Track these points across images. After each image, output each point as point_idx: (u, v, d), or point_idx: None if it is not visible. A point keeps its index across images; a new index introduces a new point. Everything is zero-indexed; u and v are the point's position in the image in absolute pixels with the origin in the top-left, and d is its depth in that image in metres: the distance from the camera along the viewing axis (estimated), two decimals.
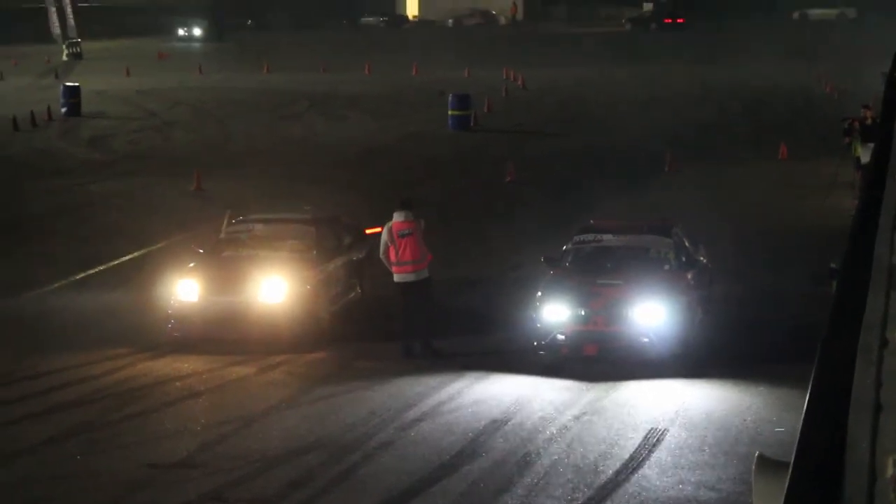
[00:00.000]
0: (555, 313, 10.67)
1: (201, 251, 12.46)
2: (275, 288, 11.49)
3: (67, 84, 32.22)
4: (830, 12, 69.55)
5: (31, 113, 28.93)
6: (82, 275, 14.06)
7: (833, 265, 8.28)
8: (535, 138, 26.33)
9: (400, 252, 11.07)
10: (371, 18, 76.10)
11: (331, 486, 7.78)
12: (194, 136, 27.48)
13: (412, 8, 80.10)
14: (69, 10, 55.55)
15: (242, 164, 22.80)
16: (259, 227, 13.10)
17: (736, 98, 31.63)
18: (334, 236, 13.23)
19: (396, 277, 11.11)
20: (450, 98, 27.38)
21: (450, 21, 72.97)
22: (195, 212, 18.73)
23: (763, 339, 11.25)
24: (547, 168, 22.14)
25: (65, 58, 48.97)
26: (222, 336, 11.18)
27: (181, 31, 64.44)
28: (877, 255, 4.50)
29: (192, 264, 12.28)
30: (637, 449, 8.17)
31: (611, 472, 7.81)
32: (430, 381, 9.98)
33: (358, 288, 13.20)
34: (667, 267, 12.17)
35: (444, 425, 8.88)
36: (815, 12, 69.84)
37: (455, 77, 34.59)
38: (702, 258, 12.98)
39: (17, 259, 14.95)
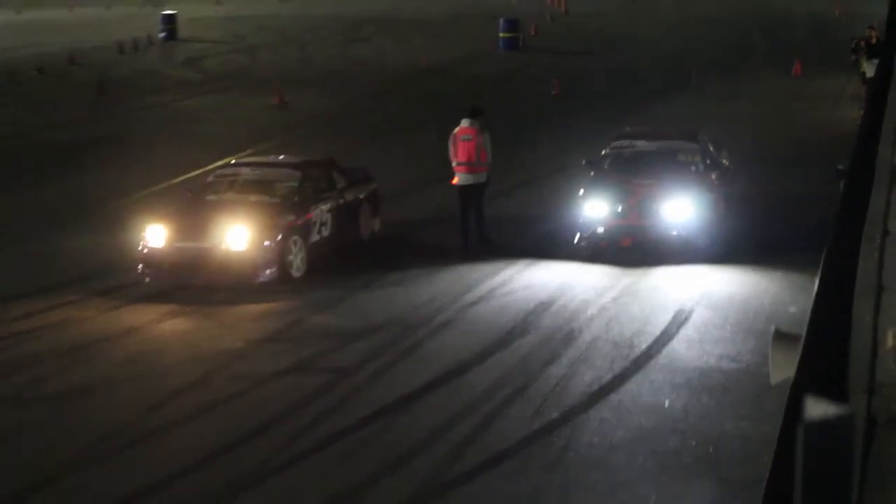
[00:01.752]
0: (595, 209, 10.62)
1: (189, 193, 11.34)
2: (238, 235, 10.09)
3: (165, 12, 32.21)
4: None
5: (134, 39, 29.30)
6: (178, 179, 13.80)
7: (840, 167, 8.04)
8: (577, 57, 25.82)
9: (458, 154, 10.92)
10: None
11: (400, 358, 7.98)
12: (277, 57, 27.59)
13: None
14: None
15: (320, 82, 22.92)
16: (247, 170, 11.86)
17: (756, 21, 30.74)
18: (324, 180, 11.71)
19: (455, 179, 11.00)
20: (500, 22, 27.34)
21: None
22: (278, 123, 18.86)
23: (779, 230, 11.08)
24: (588, 83, 21.78)
25: None
26: (189, 282, 9.94)
27: None
28: (880, 156, 4.43)
29: (167, 208, 11.20)
30: (667, 326, 8.27)
31: (644, 346, 7.91)
32: (485, 268, 10.03)
33: (359, 230, 11.72)
34: (693, 168, 12.01)
35: (498, 307, 8.99)
36: None
37: (503, 5, 33.72)
38: (725, 161, 12.73)
39: (120, 166, 14.93)
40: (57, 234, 11.65)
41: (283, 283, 10.00)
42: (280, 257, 10.25)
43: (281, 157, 12.87)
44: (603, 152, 12.27)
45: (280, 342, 8.45)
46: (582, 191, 11.45)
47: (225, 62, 26.65)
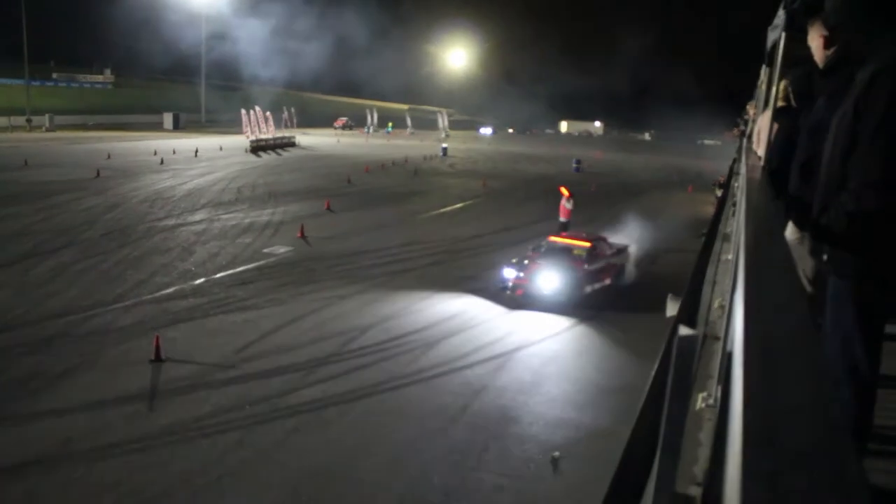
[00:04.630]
0: (509, 272, 18.74)
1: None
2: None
3: (443, 146, 65.54)
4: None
5: (428, 156, 61.79)
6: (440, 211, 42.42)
7: (703, 231, 11.78)
8: (605, 177, 53.56)
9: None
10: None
11: None
12: (485, 166, 57.48)
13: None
14: (446, 121, 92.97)
15: (501, 177, 51.43)
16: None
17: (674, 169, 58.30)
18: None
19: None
20: (574, 160, 57.34)
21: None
22: (480, 193, 44.95)
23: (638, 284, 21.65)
24: (606, 188, 48.78)
25: (444, 135, 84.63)
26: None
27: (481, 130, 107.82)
28: (720, 225, 7.45)
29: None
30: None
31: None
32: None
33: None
34: (574, 257, 19.27)
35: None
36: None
37: (578, 154, 63.67)
38: (611, 251, 20.90)
39: (419, 202, 43.60)
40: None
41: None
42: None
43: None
44: (535, 243, 21.28)
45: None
46: (514, 260, 19.44)
47: (464, 165, 56.95)
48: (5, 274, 20.06)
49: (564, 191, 28.08)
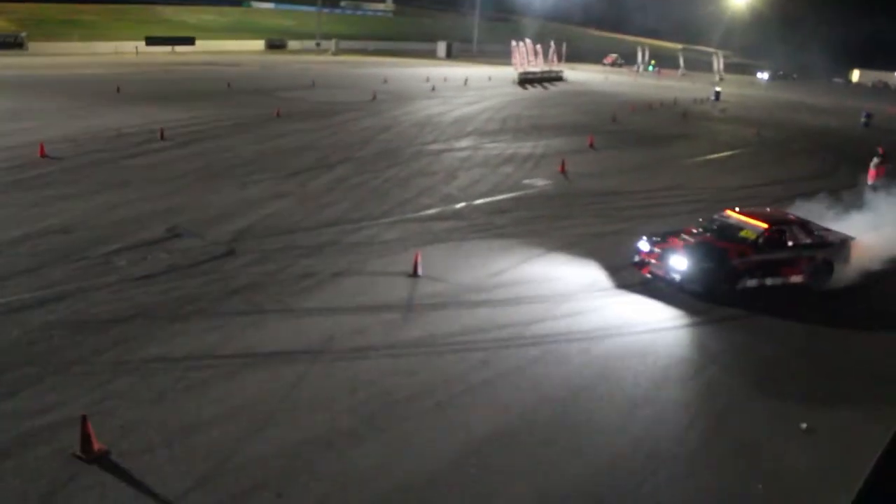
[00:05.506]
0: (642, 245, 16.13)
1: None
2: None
3: (716, 90, 61.45)
4: None
5: (700, 98, 58.77)
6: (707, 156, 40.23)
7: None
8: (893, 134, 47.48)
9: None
10: None
11: None
12: (762, 113, 53.60)
13: None
14: (721, 64, 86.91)
15: (775, 127, 47.35)
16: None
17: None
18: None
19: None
20: (863, 112, 51.29)
21: None
22: (752, 142, 40.16)
23: None
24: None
25: (718, 78, 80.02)
26: None
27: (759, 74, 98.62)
28: None
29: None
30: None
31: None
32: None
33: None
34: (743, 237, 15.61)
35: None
36: None
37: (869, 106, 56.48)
38: (813, 248, 15.79)
39: (686, 146, 41.58)
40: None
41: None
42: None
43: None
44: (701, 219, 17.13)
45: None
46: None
47: (736, 111, 53.64)
48: (291, 184, 21.97)
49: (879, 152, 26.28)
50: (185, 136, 28.30)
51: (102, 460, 8.34)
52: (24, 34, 69.65)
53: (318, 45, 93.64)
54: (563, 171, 26.28)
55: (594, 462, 9.08)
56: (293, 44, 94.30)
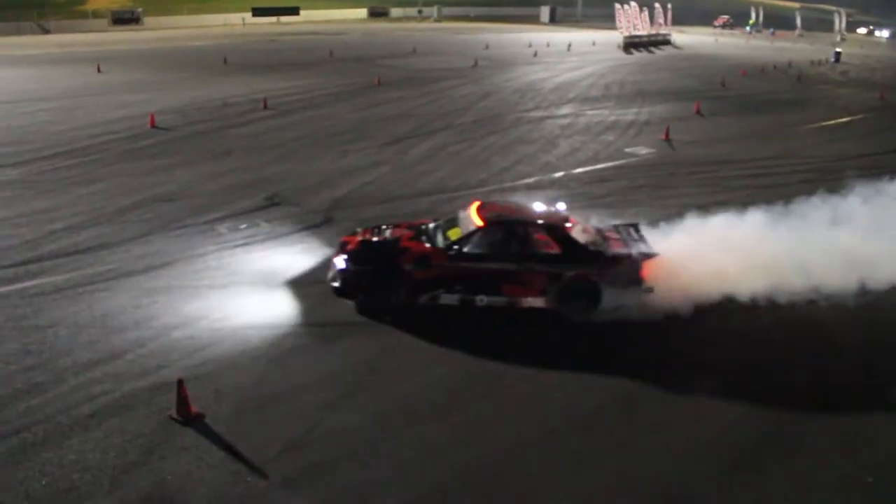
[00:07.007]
0: None
1: None
2: None
3: (837, 51, 58.27)
4: None
5: (818, 60, 55.55)
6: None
7: None
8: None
9: None
10: None
11: None
12: (887, 75, 50.34)
13: None
14: (843, 23, 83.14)
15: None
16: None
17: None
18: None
19: None
20: None
21: None
22: (876, 107, 37.80)
23: None
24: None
25: (839, 38, 75.65)
26: None
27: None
28: None
29: None
30: None
31: None
32: None
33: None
34: None
35: None
36: None
37: None
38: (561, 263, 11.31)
39: (798, 112, 38.65)
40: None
41: None
42: None
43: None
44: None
45: None
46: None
47: (858, 73, 50.65)
48: (389, 152, 22.08)
49: None
50: (288, 105, 28.84)
51: (197, 423, 8.60)
52: (139, 10, 72.45)
53: (420, 12, 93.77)
54: (667, 138, 25.46)
55: None
56: (395, 11, 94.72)
